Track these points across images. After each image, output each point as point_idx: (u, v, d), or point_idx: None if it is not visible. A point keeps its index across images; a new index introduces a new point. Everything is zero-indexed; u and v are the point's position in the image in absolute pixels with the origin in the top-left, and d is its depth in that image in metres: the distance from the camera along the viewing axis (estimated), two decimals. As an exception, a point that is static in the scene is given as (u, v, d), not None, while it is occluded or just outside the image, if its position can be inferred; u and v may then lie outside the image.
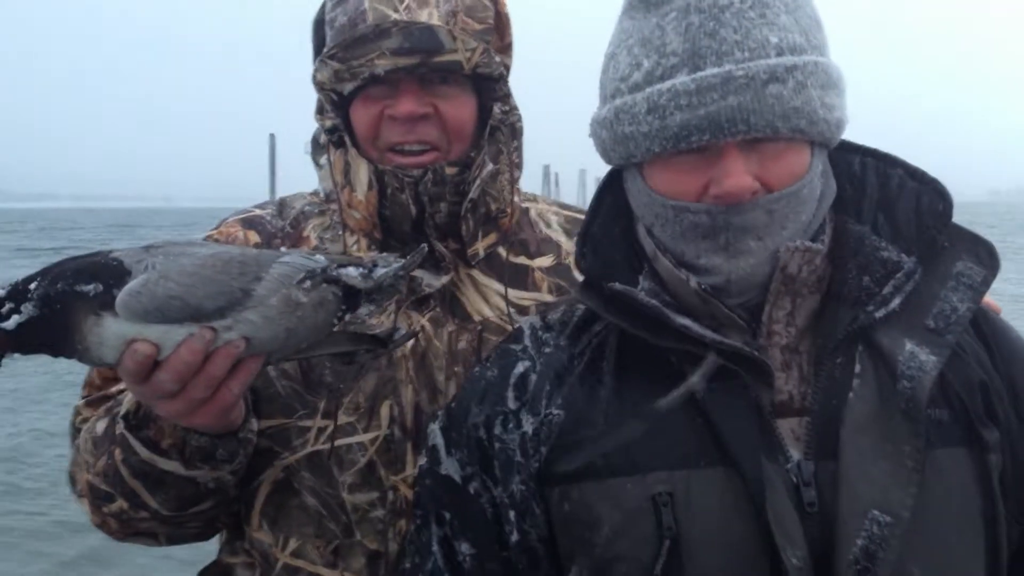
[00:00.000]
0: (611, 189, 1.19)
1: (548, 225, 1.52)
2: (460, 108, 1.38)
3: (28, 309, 1.03)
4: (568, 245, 1.49)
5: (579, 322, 1.18)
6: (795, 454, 1.04)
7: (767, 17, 1.04)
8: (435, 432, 1.18)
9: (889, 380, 1.03)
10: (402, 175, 1.36)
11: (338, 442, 1.35)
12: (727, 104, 1.00)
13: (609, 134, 1.11)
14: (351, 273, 1.14)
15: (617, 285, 1.10)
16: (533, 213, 1.53)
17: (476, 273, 1.43)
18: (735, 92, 1.00)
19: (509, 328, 1.34)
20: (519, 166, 1.48)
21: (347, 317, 1.16)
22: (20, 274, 1.07)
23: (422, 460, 1.19)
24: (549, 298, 1.43)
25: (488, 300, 1.42)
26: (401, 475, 1.35)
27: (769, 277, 1.06)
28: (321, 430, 1.35)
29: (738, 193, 1.03)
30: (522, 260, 1.47)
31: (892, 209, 1.12)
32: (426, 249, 1.20)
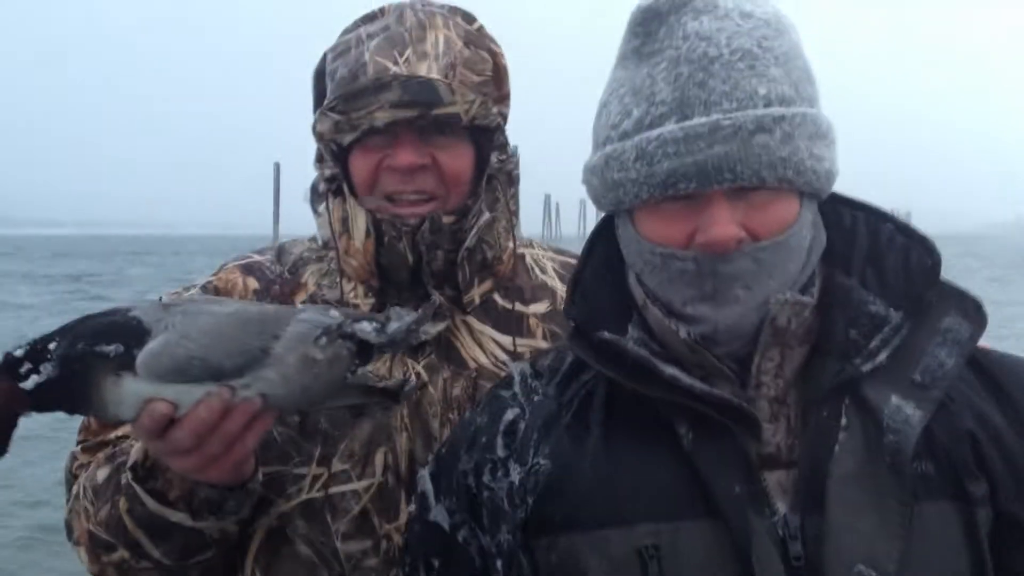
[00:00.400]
0: (603, 236, 1.20)
1: (543, 271, 1.53)
2: (458, 159, 1.40)
3: (47, 370, 1.05)
4: (563, 291, 1.49)
5: (568, 370, 1.18)
6: (782, 507, 1.04)
7: (756, 69, 1.05)
8: (424, 478, 1.19)
9: (875, 433, 1.04)
10: (400, 224, 1.37)
11: (332, 490, 1.35)
12: (714, 153, 1.02)
13: (599, 181, 1.12)
14: (365, 328, 1.15)
15: (606, 334, 1.10)
16: (528, 259, 1.54)
17: (471, 320, 1.44)
18: (722, 141, 1.02)
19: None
20: (515, 213, 1.49)
21: (359, 371, 1.17)
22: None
23: (412, 506, 1.20)
24: (544, 344, 1.44)
25: (483, 347, 1.43)
26: (395, 523, 1.34)
27: (757, 327, 1.06)
28: (316, 478, 1.36)
29: (723, 241, 1.03)
30: (517, 307, 1.47)
31: (881, 263, 1.12)
32: (437, 302, 1.20)
